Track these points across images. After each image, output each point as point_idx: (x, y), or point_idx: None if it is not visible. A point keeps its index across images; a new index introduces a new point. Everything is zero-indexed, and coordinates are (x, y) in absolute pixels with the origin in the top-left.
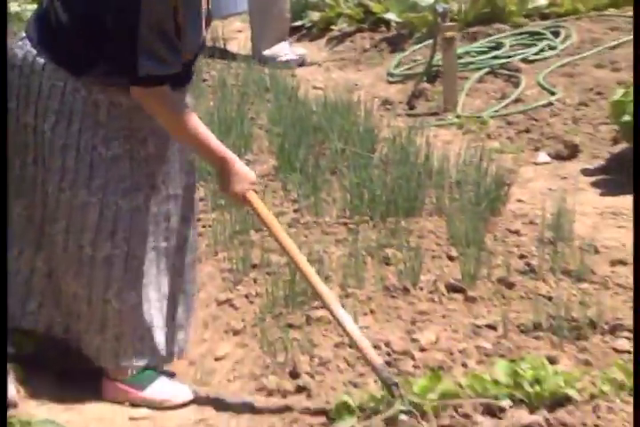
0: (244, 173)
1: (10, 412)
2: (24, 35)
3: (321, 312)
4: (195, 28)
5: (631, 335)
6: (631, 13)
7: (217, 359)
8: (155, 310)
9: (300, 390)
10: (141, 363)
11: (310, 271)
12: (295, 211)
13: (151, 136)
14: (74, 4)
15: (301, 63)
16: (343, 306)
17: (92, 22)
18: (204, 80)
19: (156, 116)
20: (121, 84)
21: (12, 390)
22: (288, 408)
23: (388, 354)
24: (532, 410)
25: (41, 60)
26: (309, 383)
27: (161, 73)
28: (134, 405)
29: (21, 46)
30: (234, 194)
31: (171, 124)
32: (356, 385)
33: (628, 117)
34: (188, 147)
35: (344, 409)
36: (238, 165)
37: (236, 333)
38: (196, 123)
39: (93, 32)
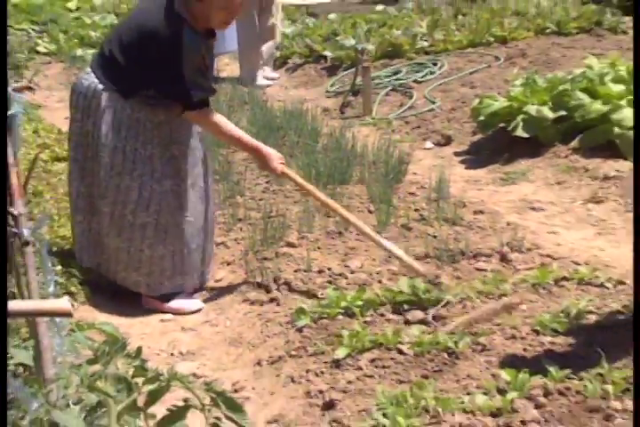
0: (273, 153)
1: (77, 317)
2: (89, 69)
3: (285, 249)
4: (212, 65)
5: (487, 259)
6: (482, 50)
7: (216, 281)
8: (180, 260)
9: (271, 300)
10: (164, 291)
11: (347, 214)
12: (267, 183)
13: (173, 143)
14: (128, 50)
15: (268, 85)
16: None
17: (141, 63)
18: None
19: (205, 128)
20: (154, 106)
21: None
22: (264, 313)
23: (330, 275)
24: (424, 309)
25: (100, 87)
26: (278, 296)
27: (206, 97)
28: (163, 312)
29: (87, 78)
30: (272, 169)
31: (217, 130)
32: (308, 297)
33: (482, 118)
34: (225, 143)
35: (301, 313)
36: (265, 149)
37: (228, 264)
38: (231, 127)
39: (140, 69)
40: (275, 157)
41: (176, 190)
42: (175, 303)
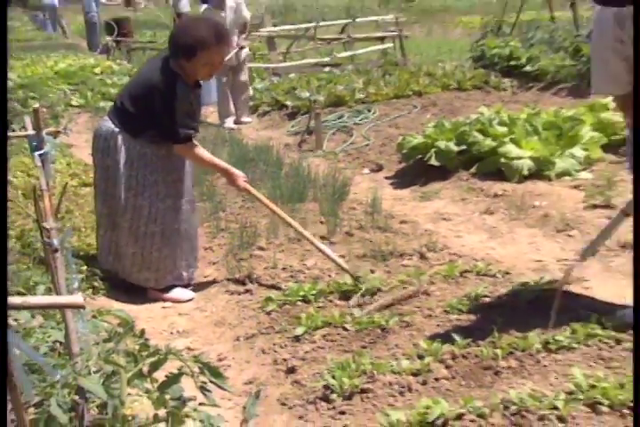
0: (239, 173)
1: (94, 303)
2: (106, 117)
3: (257, 252)
4: (199, 109)
5: (410, 257)
6: (404, 101)
7: (205, 277)
8: (179, 258)
9: (246, 291)
10: (167, 284)
11: (293, 222)
12: (242, 201)
13: (172, 170)
14: (135, 100)
15: (232, 128)
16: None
17: (145, 110)
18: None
19: (187, 157)
20: (158, 143)
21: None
22: (241, 301)
23: (291, 272)
24: (364, 296)
25: (116, 130)
26: (251, 288)
27: (192, 134)
28: (164, 301)
29: (105, 123)
30: (237, 185)
31: (196, 159)
32: (275, 288)
33: (405, 151)
34: (206, 168)
35: (269, 300)
36: (233, 170)
37: (214, 263)
38: (208, 155)
39: (145, 115)
40: (240, 176)
41: (175, 206)
42: (173, 294)
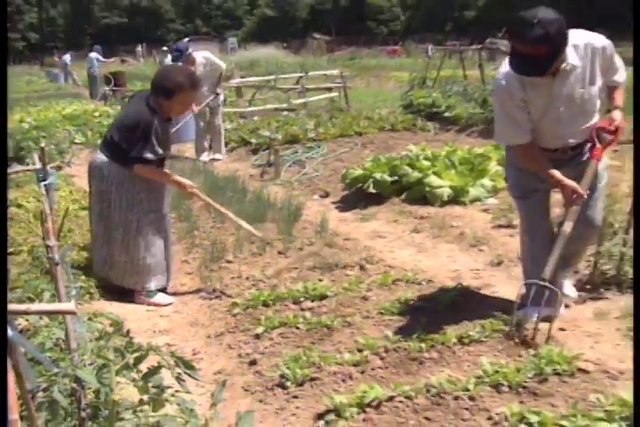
0: (187, 183)
1: (90, 307)
2: (99, 151)
3: (225, 264)
4: (168, 138)
5: (351, 269)
6: (347, 139)
7: (182, 285)
8: (159, 265)
9: (216, 297)
10: (153, 288)
11: (232, 215)
12: (214, 222)
13: (156, 190)
14: (121, 133)
15: (206, 162)
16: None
17: (129, 141)
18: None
19: (145, 175)
20: None
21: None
22: (212, 305)
23: (253, 281)
24: (312, 301)
25: (107, 161)
26: (220, 294)
27: (153, 159)
28: (148, 305)
29: (98, 156)
30: (187, 193)
31: (155, 176)
32: (240, 294)
33: (348, 181)
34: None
35: (235, 305)
36: (182, 180)
37: (189, 274)
38: (162, 173)
39: (129, 146)
40: (188, 184)
41: (157, 219)
42: (156, 299)
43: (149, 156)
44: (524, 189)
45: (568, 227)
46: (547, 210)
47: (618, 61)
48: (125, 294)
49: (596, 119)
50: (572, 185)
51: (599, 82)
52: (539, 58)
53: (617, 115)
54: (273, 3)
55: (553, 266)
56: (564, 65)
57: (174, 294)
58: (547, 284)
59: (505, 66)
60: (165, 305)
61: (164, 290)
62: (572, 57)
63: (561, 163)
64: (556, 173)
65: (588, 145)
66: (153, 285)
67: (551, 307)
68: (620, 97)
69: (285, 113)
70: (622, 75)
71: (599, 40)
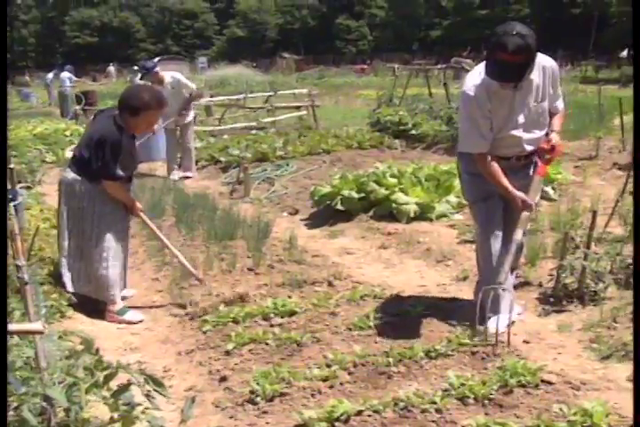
0: (137, 204)
1: (61, 325)
2: (67, 168)
3: (195, 282)
4: (135, 154)
5: (320, 285)
6: (316, 157)
7: (153, 302)
8: (119, 280)
9: (186, 314)
10: (117, 300)
11: (173, 248)
12: (184, 240)
13: (117, 204)
14: (89, 150)
15: (175, 180)
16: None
17: (97, 157)
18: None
19: (110, 191)
20: None
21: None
22: (182, 322)
23: (223, 298)
24: (282, 317)
25: (77, 177)
26: (190, 311)
27: (122, 175)
28: (119, 322)
29: (68, 174)
30: (135, 213)
31: (116, 193)
32: (210, 311)
33: (316, 198)
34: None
35: (205, 322)
36: (134, 201)
37: (160, 291)
38: (123, 191)
39: (96, 161)
40: (138, 206)
41: (123, 229)
42: (127, 316)
43: (119, 173)
44: (479, 194)
45: (519, 234)
46: (500, 214)
47: (559, 89)
48: (96, 312)
49: (545, 130)
50: (521, 195)
51: (548, 99)
52: (518, 65)
53: (554, 137)
54: (243, 23)
55: (507, 271)
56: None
57: (145, 311)
58: (503, 286)
59: (472, 79)
60: (136, 322)
61: (132, 307)
62: (532, 73)
63: (512, 171)
64: (506, 183)
65: (535, 158)
66: (118, 297)
67: (509, 312)
68: (558, 122)
69: (254, 131)
70: (562, 103)
71: (549, 61)
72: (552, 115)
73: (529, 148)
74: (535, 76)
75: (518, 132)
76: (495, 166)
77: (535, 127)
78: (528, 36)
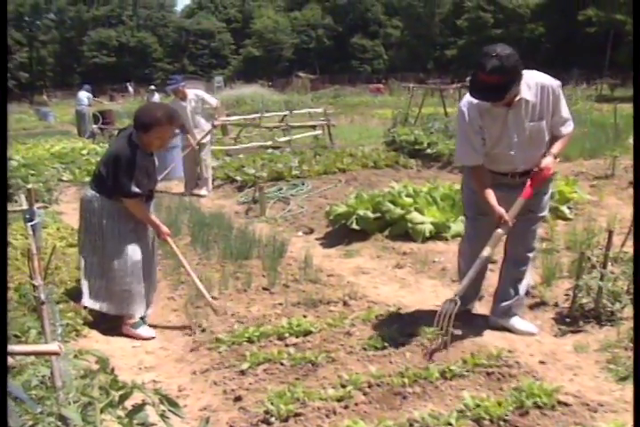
0: (164, 228)
1: (77, 344)
2: (88, 186)
3: (205, 305)
4: (154, 172)
5: (335, 304)
6: (331, 176)
7: (168, 321)
8: (141, 296)
9: (202, 332)
10: (137, 316)
11: (193, 274)
12: (199, 259)
13: (139, 222)
14: (107, 168)
15: (195, 195)
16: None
17: (114, 174)
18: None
19: (132, 209)
20: None
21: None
22: (197, 341)
23: (238, 317)
24: (297, 337)
25: (97, 195)
26: (206, 330)
27: (140, 193)
28: (132, 336)
29: (89, 191)
30: (162, 238)
31: (138, 212)
32: (225, 330)
33: (332, 217)
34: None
35: (220, 341)
36: (160, 225)
37: (175, 310)
38: (145, 211)
39: (114, 179)
40: (164, 230)
41: (144, 246)
42: (140, 331)
43: (135, 189)
44: (476, 209)
45: (486, 251)
46: (490, 235)
47: (566, 112)
48: (111, 330)
49: (544, 149)
50: (500, 211)
51: (548, 118)
52: (494, 86)
53: (546, 160)
54: (259, 42)
55: (465, 286)
56: (517, 98)
57: (160, 330)
58: (455, 298)
59: (467, 96)
60: (148, 338)
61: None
62: (525, 92)
63: (509, 187)
64: (490, 197)
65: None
66: (139, 313)
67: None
68: (558, 146)
69: (270, 150)
70: (568, 127)
71: (549, 80)
72: (556, 137)
73: (524, 166)
74: (530, 95)
75: (511, 151)
76: (482, 176)
77: (531, 147)
78: (507, 57)
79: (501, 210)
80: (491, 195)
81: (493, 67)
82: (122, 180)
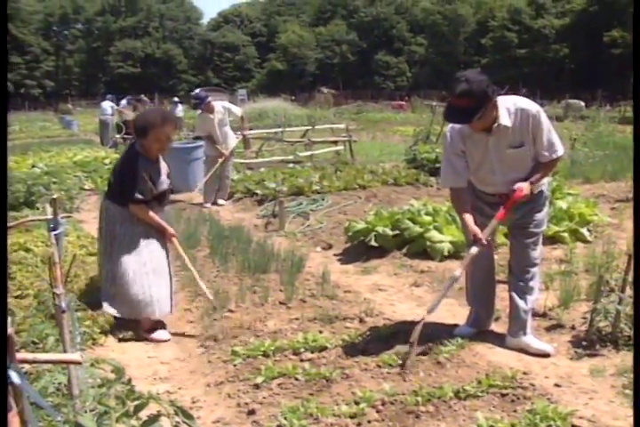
0: (170, 231)
1: (93, 352)
2: (105, 196)
3: (227, 313)
4: (158, 178)
5: (351, 321)
6: (351, 192)
7: (184, 333)
8: (157, 299)
9: (217, 346)
10: (154, 318)
11: (196, 274)
12: (217, 271)
13: (149, 226)
14: (116, 177)
15: (219, 210)
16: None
17: (120, 182)
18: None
19: (138, 214)
20: None
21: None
22: (213, 353)
23: (254, 331)
24: (312, 352)
25: (111, 203)
26: (222, 343)
27: (144, 199)
28: (149, 339)
29: (105, 200)
30: (168, 239)
31: (145, 217)
32: (241, 343)
33: (350, 233)
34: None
35: (235, 354)
36: (167, 228)
37: (192, 322)
38: (152, 215)
39: (121, 187)
40: (171, 232)
41: (157, 248)
42: (156, 335)
43: (139, 196)
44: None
45: (458, 271)
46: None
47: (551, 138)
48: (128, 339)
49: (527, 173)
50: (474, 229)
51: (530, 143)
52: (463, 109)
53: (520, 183)
54: (283, 57)
55: (435, 305)
56: (495, 124)
57: (176, 341)
58: (425, 314)
59: None
60: (163, 341)
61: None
62: (504, 118)
63: (496, 206)
64: (467, 218)
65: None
66: (162, 313)
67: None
68: (539, 173)
69: (291, 165)
70: (552, 154)
71: (530, 105)
72: (540, 163)
73: (506, 189)
74: (510, 121)
75: (494, 175)
76: (463, 198)
77: (512, 171)
78: (476, 81)
79: (476, 228)
80: (467, 215)
81: (462, 91)
82: (125, 187)
